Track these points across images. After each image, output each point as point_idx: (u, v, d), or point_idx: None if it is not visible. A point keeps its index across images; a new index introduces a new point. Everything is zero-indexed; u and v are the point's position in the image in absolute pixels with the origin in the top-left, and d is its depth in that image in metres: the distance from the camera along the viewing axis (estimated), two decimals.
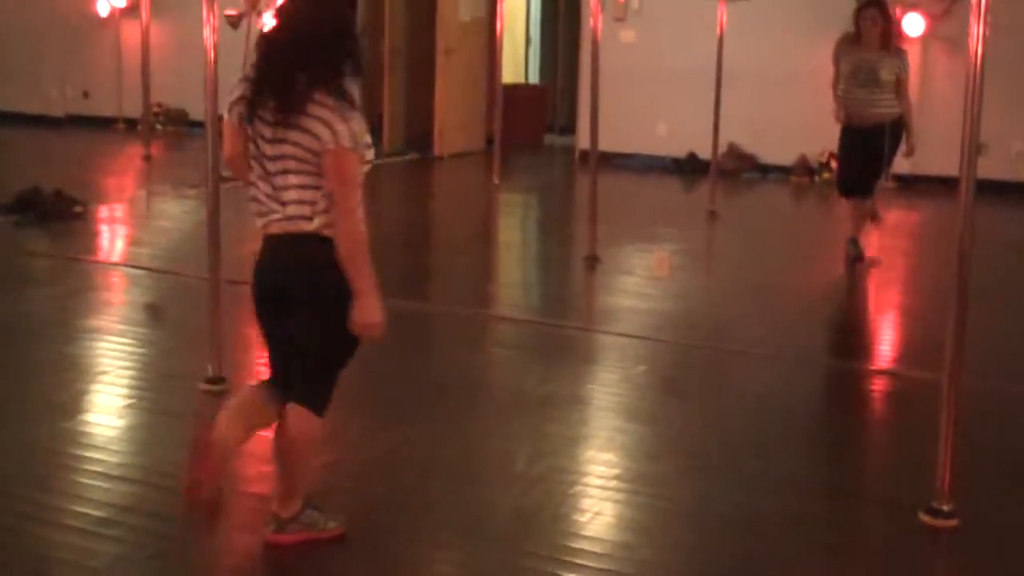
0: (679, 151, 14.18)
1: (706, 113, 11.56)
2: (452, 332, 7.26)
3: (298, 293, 3.95)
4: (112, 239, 9.93)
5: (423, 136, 15.08)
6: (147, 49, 14.16)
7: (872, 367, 6.56)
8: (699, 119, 12.37)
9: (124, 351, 6.35)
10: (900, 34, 8.97)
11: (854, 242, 8.89)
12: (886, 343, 7.32)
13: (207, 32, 5.66)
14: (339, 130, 3.78)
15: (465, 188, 13.68)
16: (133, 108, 15.76)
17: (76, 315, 7.12)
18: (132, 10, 15.99)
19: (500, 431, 5.41)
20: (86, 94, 17.47)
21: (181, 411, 5.48)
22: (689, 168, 13.99)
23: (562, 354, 6.63)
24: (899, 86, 8.63)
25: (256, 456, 4.98)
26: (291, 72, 3.81)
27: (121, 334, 6.68)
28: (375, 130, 15.77)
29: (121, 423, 5.30)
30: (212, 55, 5.70)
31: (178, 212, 10.87)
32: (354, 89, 3.91)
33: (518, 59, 17.48)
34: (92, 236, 9.83)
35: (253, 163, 3.93)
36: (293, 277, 3.95)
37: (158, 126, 16.09)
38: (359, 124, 3.86)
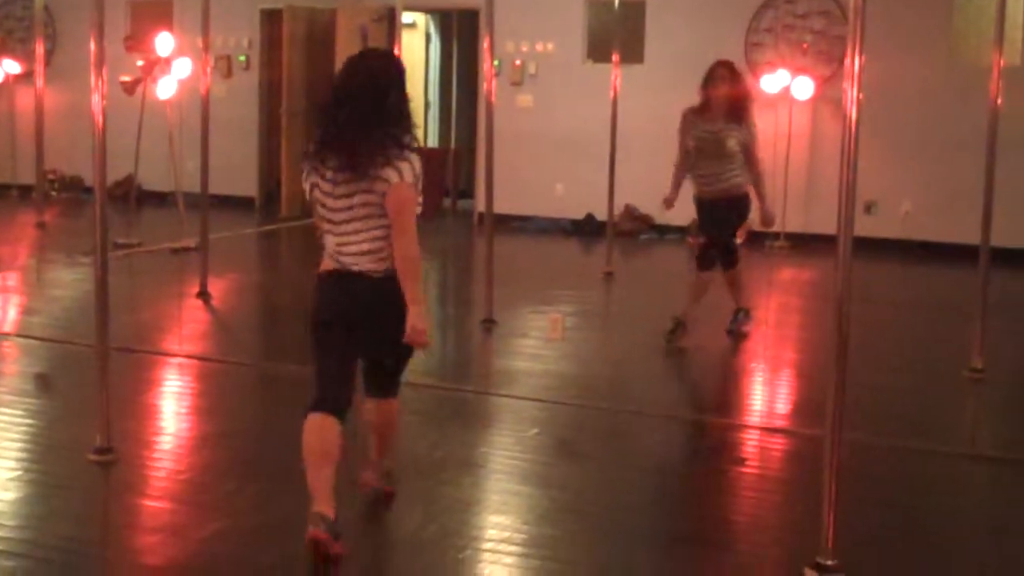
0: (577, 213, 14.32)
1: (602, 175, 11.72)
2: None
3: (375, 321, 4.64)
4: (3, 308, 9.77)
5: None
6: (41, 115, 14.06)
7: (762, 424, 6.65)
8: (596, 181, 12.53)
9: (11, 422, 6.24)
10: (751, 102, 8.43)
11: (680, 323, 8.29)
12: (776, 401, 7.42)
13: (96, 99, 5.62)
14: (403, 168, 4.46)
15: None
16: (27, 174, 15.58)
17: None
18: (27, 76, 15.87)
19: (392, 497, 5.39)
20: None
21: (68, 483, 5.39)
22: (587, 230, 14.13)
23: (456, 418, 6.64)
24: (747, 155, 8.22)
25: (146, 528, 4.94)
26: (359, 137, 4.46)
27: (9, 405, 6.57)
28: (273, 195, 15.78)
29: (7, 496, 5.19)
30: (101, 121, 5.65)
31: (71, 280, 10.75)
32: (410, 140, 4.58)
33: (416, 124, 17.53)
34: None
35: (323, 219, 4.63)
36: (370, 310, 4.63)
37: (52, 193, 15.93)
38: (416, 163, 4.52)
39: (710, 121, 8.19)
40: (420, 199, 4.59)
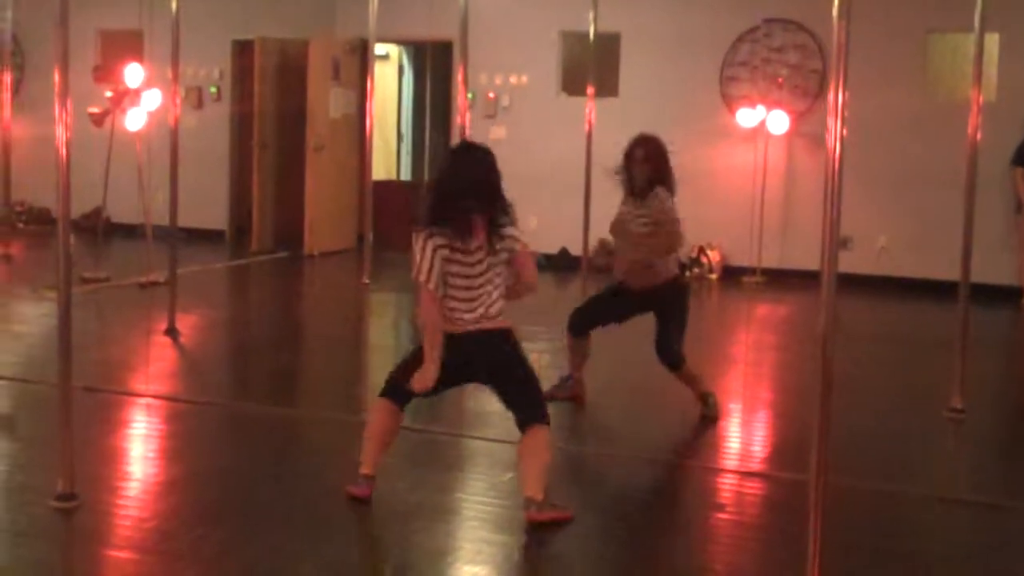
0: (551, 247, 14.20)
1: (577, 209, 11.64)
2: (319, 439, 7.09)
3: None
4: None
5: (293, 234, 14.94)
6: (8, 146, 13.89)
7: (740, 468, 6.53)
8: (570, 215, 12.43)
9: None
10: (669, 173, 7.43)
11: (573, 381, 7.81)
12: (754, 443, 7.30)
13: (60, 130, 5.48)
14: (519, 234, 5.66)
15: (335, 287, 13.52)
16: None
17: None
18: None
19: (364, 543, 5.27)
20: None
21: (29, 531, 5.23)
22: (561, 264, 14.03)
23: (430, 461, 6.49)
24: (658, 226, 7.31)
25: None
26: (481, 217, 5.52)
27: None
28: (243, 229, 15.63)
29: None
30: (65, 153, 5.50)
31: (35, 315, 10.53)
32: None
33: (390, 156, 17.45)
34: None
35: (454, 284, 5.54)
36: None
37: (20, 225, 15.75)
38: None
39: (632, 202, 7.47)
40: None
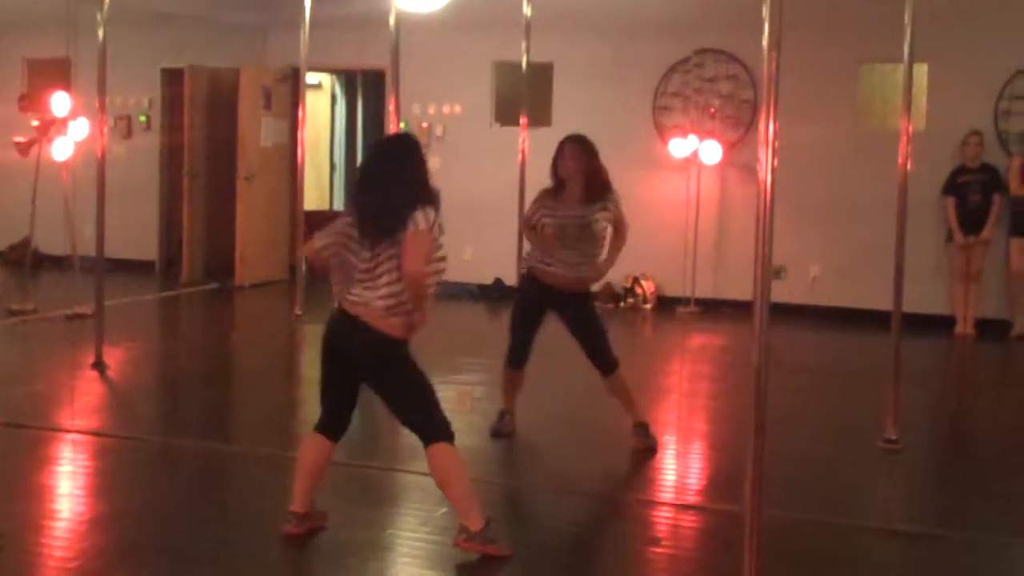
0: (485, 278, 14.17)
1: (511, 239, 11.58)
2: (249, 474, 6.96)
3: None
4: None
5: (224, 264, 14.79)
6: None
7: (675, 501, 6.49)
8: (504, 245, 12.39)
9: None
10: (607, 174, 7.43)
11: (506, 415, 7.81)
12: (689, 475, 7.27)
13: None
14: (417, 218, 5.32)
15: (266, 319, 13.38)
16: None
17: None
18: None
19: None
20: None
21: None
22: (494, 295, 13.98)
23: (361, 496, 6.39)
24: (618, 230, 7.44)
25: None
26: (391, 210, 5.34)
27: None
28: (174, 260, 15.46)
29: None
30: None
31: None
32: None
33: (322, 186, 17.37)
34: None
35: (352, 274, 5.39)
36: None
37: None
38: (432, 215, 5.42)
39: (568, 203, 7.33)
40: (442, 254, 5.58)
